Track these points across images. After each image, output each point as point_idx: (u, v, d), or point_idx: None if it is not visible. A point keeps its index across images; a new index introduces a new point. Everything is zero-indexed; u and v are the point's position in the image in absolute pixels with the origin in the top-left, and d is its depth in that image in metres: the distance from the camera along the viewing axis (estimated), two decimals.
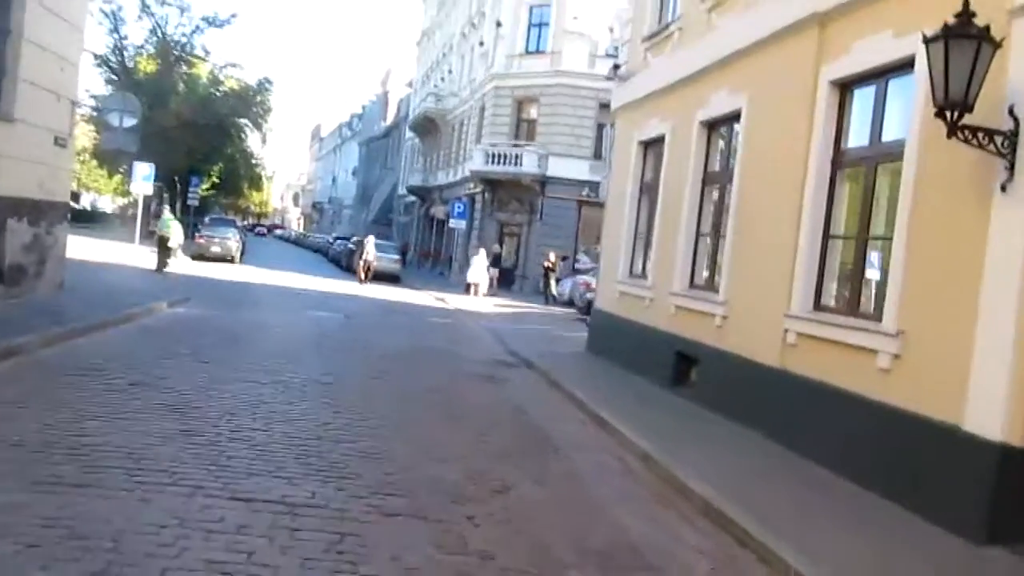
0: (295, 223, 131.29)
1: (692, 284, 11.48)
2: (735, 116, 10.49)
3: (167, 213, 28.23)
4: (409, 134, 61.36)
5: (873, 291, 7.83)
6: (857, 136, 8.27)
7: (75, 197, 65.97)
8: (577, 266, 34.07)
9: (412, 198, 56.97)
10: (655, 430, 8.68)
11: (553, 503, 6.21)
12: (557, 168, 35.72)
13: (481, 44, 41.85)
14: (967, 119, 5.80)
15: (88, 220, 55.78)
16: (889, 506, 6.56)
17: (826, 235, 8.45)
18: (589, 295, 23.42)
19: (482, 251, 30.16)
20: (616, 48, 14.63)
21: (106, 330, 12.13)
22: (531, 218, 36.84)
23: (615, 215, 14.88)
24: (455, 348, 15.31)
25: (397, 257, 37.88)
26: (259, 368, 10.37)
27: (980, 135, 5.83)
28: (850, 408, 7.40)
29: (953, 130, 5.81)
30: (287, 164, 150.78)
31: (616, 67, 14.71)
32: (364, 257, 33.12)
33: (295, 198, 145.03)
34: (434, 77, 55.08)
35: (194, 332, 13.09)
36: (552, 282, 30.40)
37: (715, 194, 11.31)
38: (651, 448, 7.88)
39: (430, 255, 49.56)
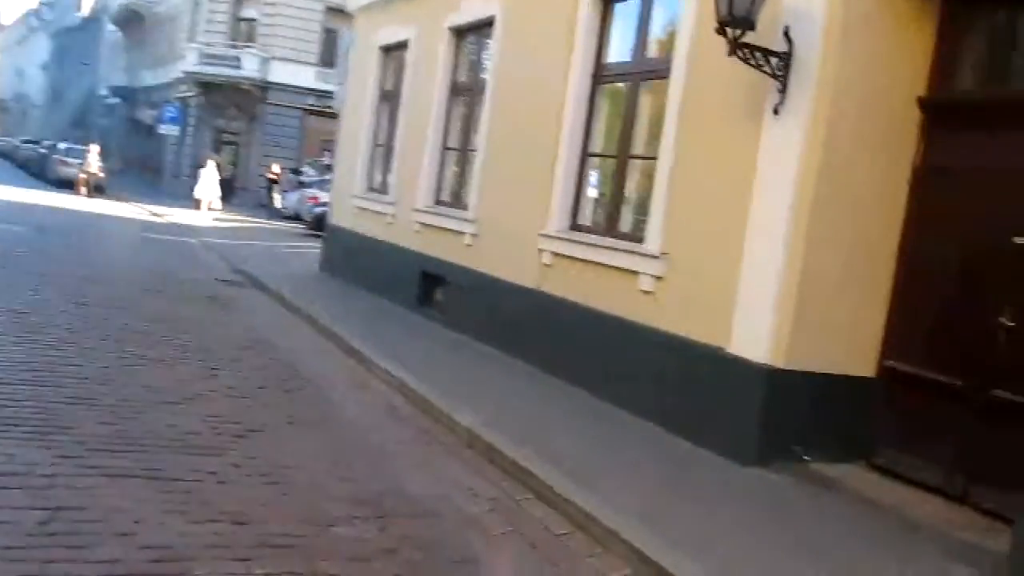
0: None
1: (439, 200, 10.96)
2: (488, 23, 9.92)
3: None
4: (111, 27, 55.18)
5: (635, 212, 7.71)
6: (619, 52, 8.02)
7: None
8: (302, 179, 32.50)
9: (115, 99, 51.58)
10: (411, 358, 8.16)
11: (311, 448, 5.49)
12: (280, 74, 33.59)
13: None
14: (748, 37, 5.61)
15: None
16: (662, 433, 6.50)
17: (585, 153, 8.21)
18: (317, 209, 22.36)
19: (211, 162, 27.34)
20: None
21: None
22: (251, 126, 34.55)
23: (352, 125, 13.95)
24: (175, 268, 13.79)
25: (99, 164, 34.13)
26: None
27: (758, 55, 5.68)
28: (613, 331, 7.26)
29: (735, 48, 5.61)
30: None
31: None
32: (86, 168, 29.53)
33: None
34: None
35: None
36: (276, 195, 28.76)
37: (465, 107, 10.76)
38: (411, 380, 7.35)
39: (136, 163, 45.32)
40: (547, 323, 8.20)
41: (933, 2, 5.91)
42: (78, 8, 71.17)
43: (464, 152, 10.58)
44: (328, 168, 32.02)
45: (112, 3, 53.37)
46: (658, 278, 6.81)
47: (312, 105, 33.82)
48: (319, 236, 21.28)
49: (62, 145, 36.27)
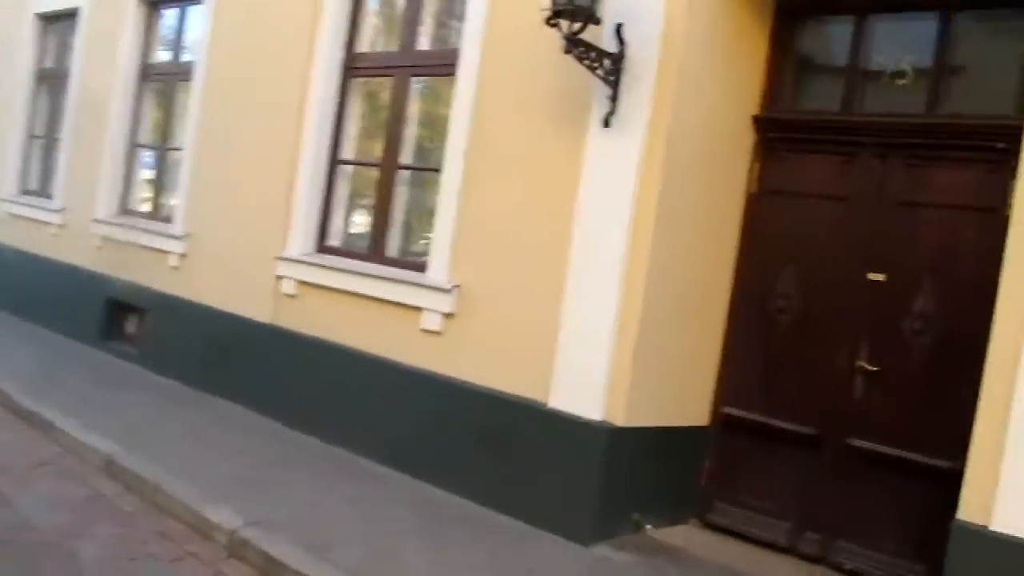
0: None
1: (128, 210, 8.87)
2: None
3: None
4: None
5: (409, 235, 6.45)
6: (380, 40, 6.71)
7: None
8: None
9: None
10: (112, 417, 6.26)
11: None
12: None
13: None
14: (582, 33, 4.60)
15: None
16: (479, 510, 5.28)
17: (335, 159, 6.79)
18: None
19: None
20: None
21: None
22: None
23: None
24: None
25: None
26: None
27: (593, 55, 4.69)
28: (387, 379, 5.94)
29: (572, 45, 4.57)
30: None
31: None
32: None
33: None
34: None
35: None
36: None
37: (164, 93, 8.78)
38: (119, 452, 5.50)
39: None
40: (291, 366, 6.68)
41: (767, 11, 5.29)
42: None
43: (163, 151, 8.62)
44: None
45: None
46: (448, 315, 5.61)
47: None
48: None
49: None
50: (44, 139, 10.42)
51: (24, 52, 10.56)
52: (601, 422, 4.82)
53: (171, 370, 7.76)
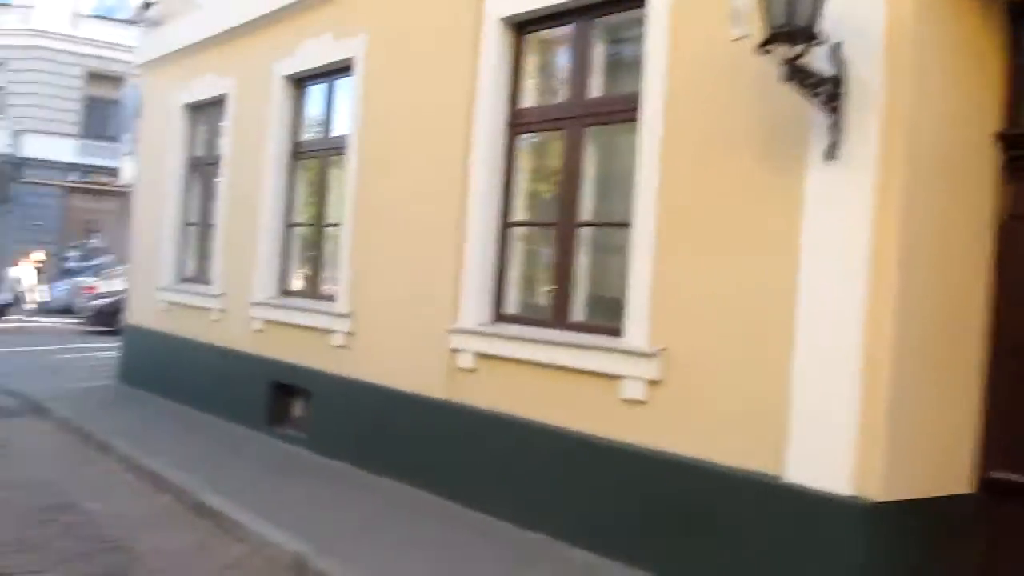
0: None
1: (287, 291, 8.74)
2: (343, 68, 7.96)
3: None
4: None
5: (593, 297, 5.97)
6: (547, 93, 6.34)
7: None
8: (68, 265, 28.46)
9: None
10: (294, 510, 5.96)
11: None
12: (35, 148, 29.47)
13: None
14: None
15: None
16: None
17: (505, 222, 6.41)
18: (96, 301, 19.10)
19: None
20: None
21: None
22: (4, 209, 30.00)
23: (151, 202, 11.39)
24: None
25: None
26: None
27: (812, 80, 4.14)
28: (581, 454, 5.44)
29: (792, 72, 4.04)
30: None
31: (147, 5, 11.16)
32: None
33: None
34: None
35: None
36: (43, 286, 24.69)
37: (318, 171, 8.68)
38: (311, 552, 5.15)
39: None
40: (470, 444, 6.24)
41: (998, 13, 4.62)
42: None
43: (319, 229, 8.47)
44: (97, 252, 28.39)
45: None
46: (653, 382, 5.07)
47: (75, 181, 30.01)
48: (104, 333, 18.16)
49: None
50: (198, 226, 10.51)
51: (175, 142, 10.73)
52: (853, 497, 4.15)
53: (341, 453, 7.46)
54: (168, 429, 8.91)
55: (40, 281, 24.75)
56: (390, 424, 7.02)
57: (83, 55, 29.97)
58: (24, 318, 19.91)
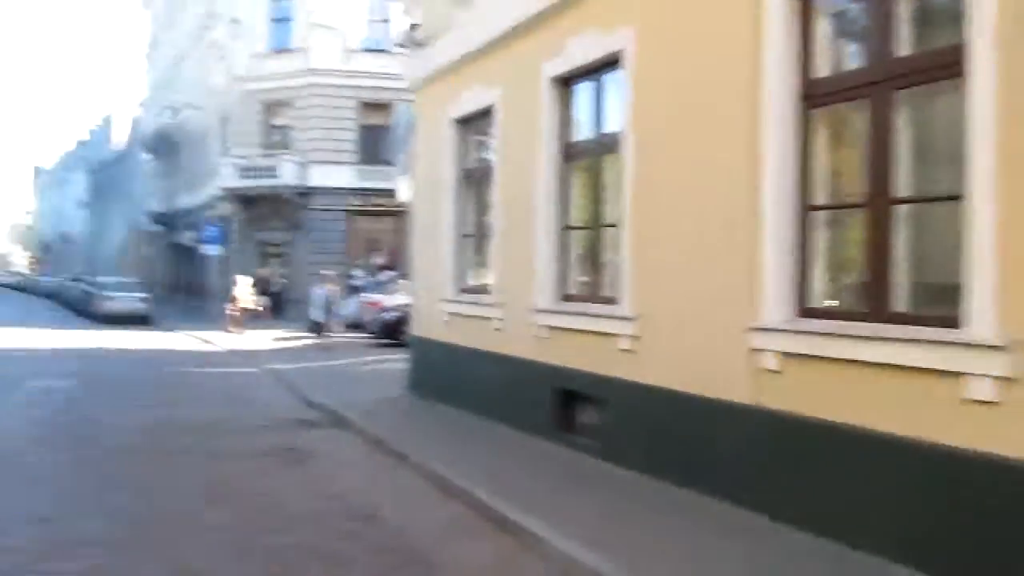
0: (25, 266, 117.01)
1: (568, 296, 8.59)
2: (612, 63, 7.68)
3: None
4: (145, 156, 54.70)
5: (924, 278, 5.27)
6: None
7: None
8: (355, 283, 30.56)
9: (155, 227, 50.60)
10: (600, 526, 5.73)
11: None
12: (320, 177, 31.97)
13: (217, 47, 37.12)
14: None
15: None
16: None
17: (803, 208, 5.82)
18: (384, 315, 20.19)
19: (240, 278, 25.76)
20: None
21: None
22: (295, 235, 32.81)
23: (427, 216, 11.76)
24: (233, 410, 11.49)
25: (143, 295, 32.59)
26: None
27: None
28: (912, 460, 4.76)
29: None
30: (8, 204, 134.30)
31: (414, 27, 11.55)
32: (235, 305, 24.90)
33: (21, 239, 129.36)
34: (167, 90, 49.12)
35: None
36: (333, 305, 26.61)
37: (589, 170, 8.48)
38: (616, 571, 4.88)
39: (182, 288, 43.86)
40: (780, 452, 5.71)
41: None
42: (112, 143, 71.48)
43: (596, 230, 8.25)
44: (381, 269, 30.24)
45: (144, 131, 52.97)
46: (1005, 379, 4.30)
47: (356, 205, 32.20)
48: (390, 346, 19.21)
49: (106, 279, 34.92)
50: (475, 237, 10.67)
51: (447, 157, 10.97)
52: None
53: (632, 461, 7.16)
54: (457, 438, 9.07)
55: (312, 300, 26.79)
56: (685, 431, 6.63)
57: (356, 87, 32.11)
58: (335, 335, 21.24)
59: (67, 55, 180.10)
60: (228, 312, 24.71)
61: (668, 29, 6.92)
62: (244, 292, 24.20)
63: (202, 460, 8.32)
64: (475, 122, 10.58)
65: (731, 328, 6.07)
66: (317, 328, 21.76)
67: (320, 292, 22.16)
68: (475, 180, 10.69)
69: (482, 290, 10.28)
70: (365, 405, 11.15)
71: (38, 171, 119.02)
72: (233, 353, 19.72)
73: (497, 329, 9.57)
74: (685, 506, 6.24)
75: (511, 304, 9.29)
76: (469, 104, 10.40)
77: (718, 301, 6.25)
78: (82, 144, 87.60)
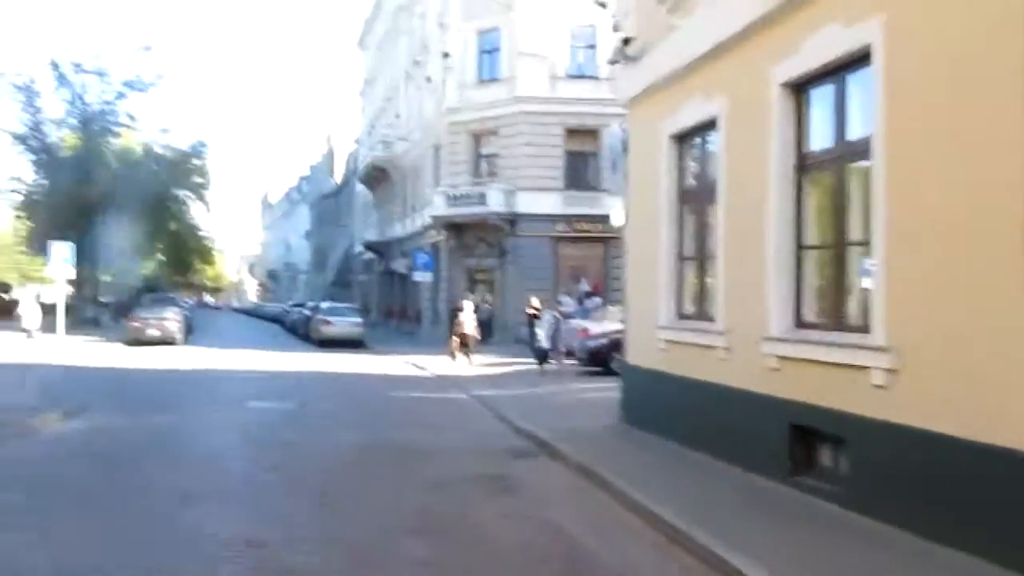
0: (253, 294, 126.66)
1: (803, 323, 7.73)
2: (858, 60, 6.83)
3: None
4: (360, 188, 57.61)
5: None
6: None
7: (4, 288, 61.41)
8: (561, 309, 30.32)
9: (370, 255, 53.03)
10: None
11: None
12: (526, 204, 32.16)
13: (428, 80, 38.36)
14: None
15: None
16: None
17: None
18: (591, 343, 19.72)
19: (467, 303, 24.88)
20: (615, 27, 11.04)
21: None
22: (502, 261, 33.10)
23: (643, 239, 11.17)
24: (443, 436, 11.33)
25: (359, 319, 33.90)
26: (145, 537, 6.40)
27: None
28: None
29: None
30: (240, 235, 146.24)
31: (626, 41, 11.04)
32: (459, 330, 23.05)
33: (251, 268, 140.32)
34: (381, 125, 51.49)
35: (73, 462, 9.02)
36: (539, 331, 26.44)
37: (828, 183, 7.62)
38: None
39: (394, 314, 45.53)
40: None
41: None
42: (332, 176, 75.94)
43: (837, 248, 7.36)
44: (587, 296, 29.86)
45: (360, 165, 55.75)
46: None
47: (561, 231, 32.11)
48: (598, 374, 18.69)
49: (324, 305, 36.65)
50: (695, 260, 9.97)
51: (664, 176, 10.36)
52: None
53: (886, 512, 6.23)
54: (673, 473, 8.39)
55: (537, 326, 26.57)
56: (955, 480, 5.64)
57: (562, 113, 32.12)
58: (561, 363, 20.54)
59: (292, 96, 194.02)
60: (452, 337, 23.60)
61: (926, 14, 6.01)
62: (469, 317, 23.14)
63: (408, 487, 8.11)
64: (694, 137, 9.92)
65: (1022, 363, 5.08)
66: (543, 355, 20.78)
67: (548, 317, 21.48)
68: (695, 199, 10.00)
69: (703, 316, 9.55)
70: (576, 434, 10.67)
71: (265, 205, 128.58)
72: (442, 379, 19.86)
73: (721, 359, 8.81)
74: (958, 571, 5.28)
75: (737, 332, 8.52)
76: (688, 118, 9.75)
77: (1003, 331, 5.26)
78: (304, 179, 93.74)
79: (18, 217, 49.79)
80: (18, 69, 41.45)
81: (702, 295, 9.77)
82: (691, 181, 10.17)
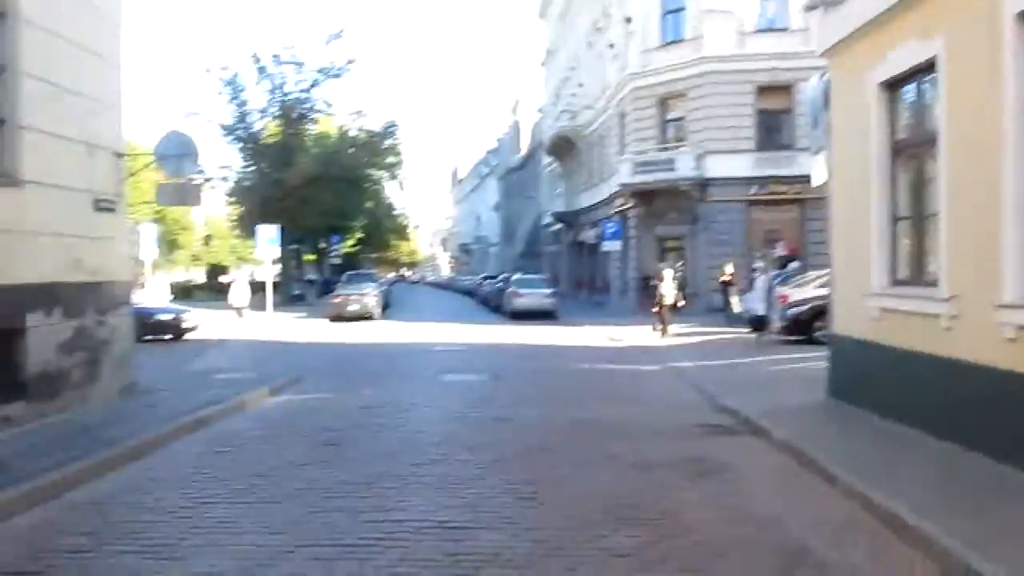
0: (446, 267, 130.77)
1: None
2: None
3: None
4: (546, 160, 57.77)
5: None
6: None
7: (220, 271, 66.17)
8: (756, 276, 29.07)
9: (558, 225, 53.17)
10: None
11: None
12: (717, 168, 31.04)
13: (611, 46, 37.69)
14: None
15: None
16: None
17: None
18: (790, 311, 18.70)
19: (667, 270, 23.51)
20: None
21: (154, 454, 8.56)
22: (693, 228, 32.13)
23: (849, 199, 10.28)
24: (638, 412, 10.87)
25: (549, 291, 33.95)
26: (345, 510, 6.42)
27: None
28: None
29: None
30: (432, 210, 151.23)
31: None
32: (660, 301, 22.07)
33: (443, 243, 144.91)
34: (564, 95, 51.26)
35: (281, 439, 9.33)
36: (733, 298, 25.54)
37: None
38: None
39: (583, 284, 45.43)
40: None
41: None
42: (518, 149, 76.62)
43: None
44: (783, 261, 28.44)
45: (545, 136, 55.83)
46: None
47: (754, 195, 30.77)
48: (799, 343, 17.71)
49: (515, 277, 36.99)
50: (912, 220, 9.04)
51: (873, 129, 9.43)
52: None
53: None
54: (897, 459, 7.55)
55: (732, 294, 25.59)
56: None
57: (752, 71, 30.69)
58: (774, 335, 19.09)
59: (478, 71, 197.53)
60: (654, 310, 22.55)
61: None
62: (668, 287, 22.13)
63: (604, 469, 7.78)
64: (908, 83, 8.96)
65: None
66: (759, 323, 19.31)
67: (761, 282, 20.30)
68: (910, 152, 9.06)
69: (923, 282, 8.65)
70: (781, 411, 10.01)
71: (455, 180, 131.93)
72: (635, 349, 19.45)
73: (946, 328, 7.92)
74: None
75: (965, 299, 7.61)
76: (900, 63, 8.80)
77: None
78: (491, 152, 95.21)
79: (230, 203, 53.17)
80: (224, 64, 43.78)
81: (920, 258, 8.85)
82: (904, 133, 9.21)
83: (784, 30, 30.63)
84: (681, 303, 23.26)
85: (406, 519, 6.21)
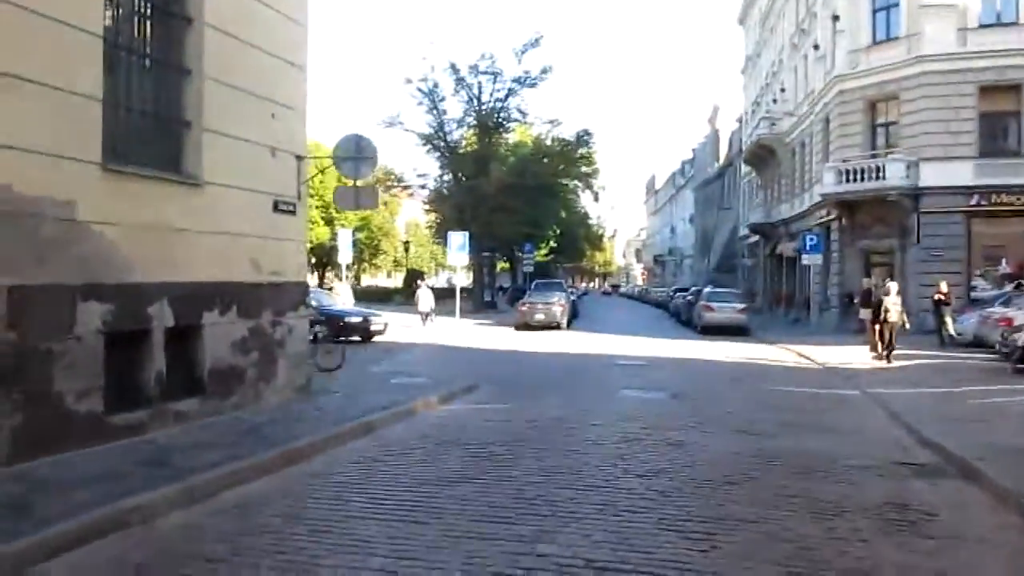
0: (639, 278, 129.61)
1: None
2: None
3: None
4: (744, 169, 55.75)
5: None
6: None
7: (418, 276, 68.33)
8: (975, 295, 26.47)
9: (755, 238, 51.05)
10: None
11: None
12: (931, 176, 28.49)
13: (816, 48, 35.65)
14: None
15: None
16: None
17: None
18: (1016, 335, 16.68)
19: (892, 285, 20.68)
20: None
21: (312, 459, 8.46)
22: (903, 241, 29.68)
23: None
24: (829, 445, 9.65)
25: (742, 305, 32.44)
26: (487, 538, 5.93)
27: None
28: None
29: None
30: (627, 221, 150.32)
31: None
32: (884, 319, 19.35)
33: (637, 254, 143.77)
34: (764, 101, 49.23)
35: (440, 451, 9.00)
36: (948, 319, 23.26)
37: None
38: None
39: (781, 299, 43.26)
40: None
41: None
42: (715, 158, 74.62)
43: None
44: (1009, 280, 25.73)
45: (743, 145, 53.85)
46: None
47: (974, 205, 28.02)
48: None
49: (706, 290, 35.71)
50: None
51: None
52: None
53: None
54: None
55: (945, 314, 23.30)
56: None
57: (975, 70, 28.04)
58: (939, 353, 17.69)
59: (675, 80, 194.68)
60: (872, 327, 20.29)
61: None
62: (894, 303, 19.54)
63: (786, 512, 6.86)
64: None
65: None
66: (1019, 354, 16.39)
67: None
68: None
69: None
70: (1003, 452, 8.65)
71: (650, 190, 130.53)
72: (832, 371, 17.99)
73: None
74: None
75: None
76: None
77: None
78: (687, 162, 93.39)
79: (428, 211, 54.81)
80: (423, 75, 44.97)
81: None
82: None
83: (1013, 24, 27.81)
84: (907, 324, 20.80)
85: (550, 553, 5.64)
